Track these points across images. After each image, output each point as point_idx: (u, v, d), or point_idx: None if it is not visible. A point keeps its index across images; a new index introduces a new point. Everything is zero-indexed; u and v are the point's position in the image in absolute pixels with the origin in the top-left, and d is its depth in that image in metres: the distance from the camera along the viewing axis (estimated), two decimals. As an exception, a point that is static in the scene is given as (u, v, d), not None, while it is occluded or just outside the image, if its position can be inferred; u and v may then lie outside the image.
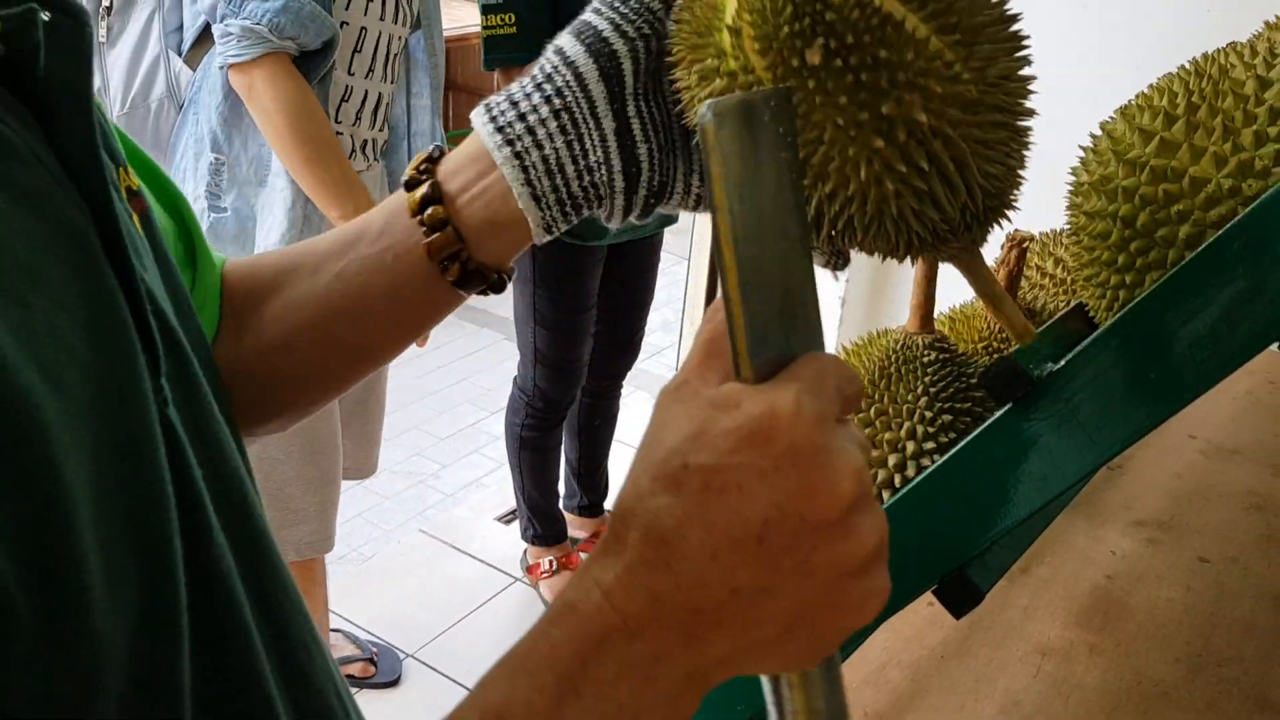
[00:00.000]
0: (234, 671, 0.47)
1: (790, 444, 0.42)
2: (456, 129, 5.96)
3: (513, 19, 2.33)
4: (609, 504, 3.35)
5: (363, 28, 2.05)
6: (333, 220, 1.99)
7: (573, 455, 3.19)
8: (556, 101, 0.63)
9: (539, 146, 0.63)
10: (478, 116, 0.65)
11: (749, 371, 0.44)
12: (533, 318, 2.77)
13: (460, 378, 4.33)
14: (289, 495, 2.19)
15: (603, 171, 0.65)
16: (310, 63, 1.95)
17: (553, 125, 0.63)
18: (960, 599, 0.75)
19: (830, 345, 0.58)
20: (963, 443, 0.70)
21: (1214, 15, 2.84)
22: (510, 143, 0.63)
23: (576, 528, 3.27)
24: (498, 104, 0.65)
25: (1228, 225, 0.62)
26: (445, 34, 2.36)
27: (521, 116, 0.64)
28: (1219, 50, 0.77)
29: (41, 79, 0.43)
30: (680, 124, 0.67)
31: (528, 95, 0.64)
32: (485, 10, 2.35)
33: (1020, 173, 0.65)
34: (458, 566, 3.26)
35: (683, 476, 0.43)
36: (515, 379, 2.98)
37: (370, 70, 2.10)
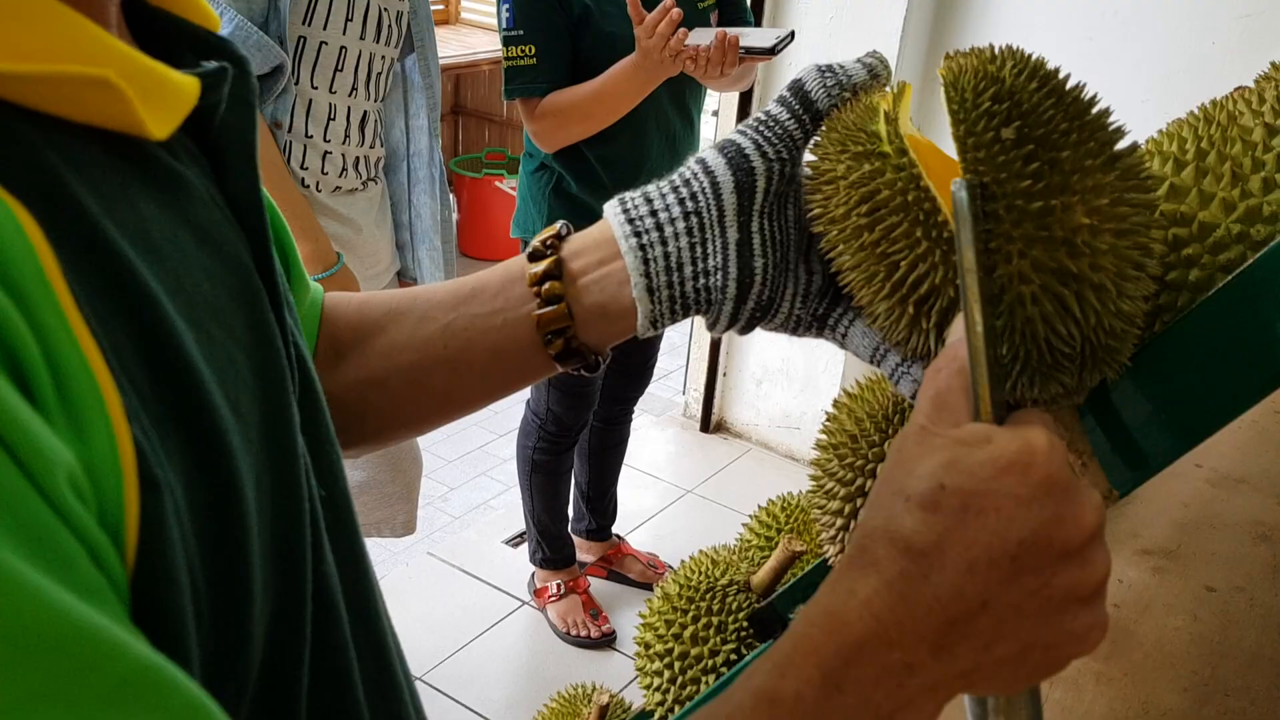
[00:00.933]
0: (335, 680, 0.51)
1: (1046, 475, 0.47)
2: (465, 153, 6.00)
3: (533, 50, 2.37)
4: (617, 528, 3.37)
5: (342, 47, 2.09)
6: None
7: (582, 479, 3.21)
8: (690, 204, 0.67)
9: (664, 243, 0.67)
10: (611, 207, 0.69)
11: (990, 413, 0.51)
12: None
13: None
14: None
15: (718, 276, 0.67)
16: (261, 85, 1.99)
17: (680, 225, 0.67)
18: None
19: (835, 388, 0.63)
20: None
21: (1217, 48, 2.87)
22: (638, 234, 0.67)
23: (585, 551, 3.28)
24: (633, 199, 0.69)
25: (1237, 271, 0.64)
26: (457, 60, 2.39)
27: (653, 212, 0.67)
28: (1227, 96, 0.79)
29: (216, 126, 0.48)
30: (795, 250, 0.70)
31: (663, 194, 0.68)
32: (506, 42, 2.39)
33: (1137, 333, 0.64)
34: (465, 590, 3.27)
35: (940, 498, 0.47)
36: (528, 402, 3.00)
37: (354, 89, 2.13)
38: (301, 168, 2.10)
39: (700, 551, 1.10)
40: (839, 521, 0.88)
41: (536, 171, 2.63)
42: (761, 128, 0.67)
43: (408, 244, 2.43)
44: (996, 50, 0.61)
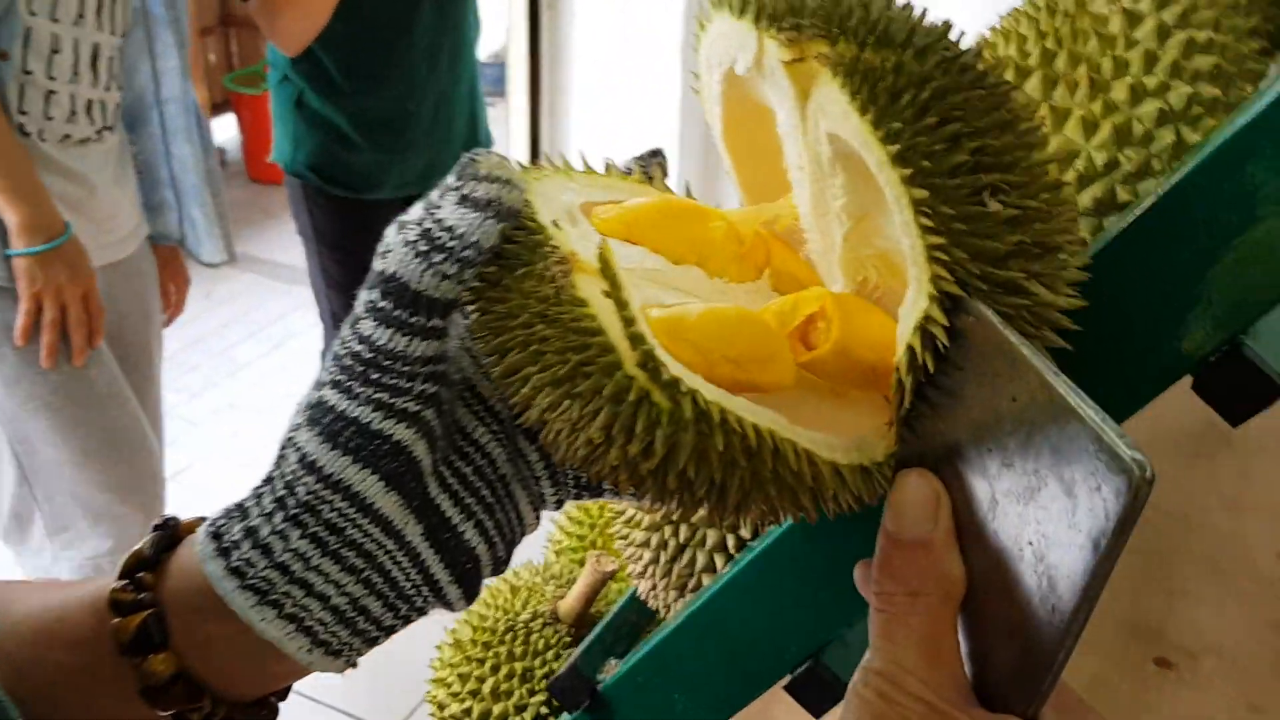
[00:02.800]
0: None
1: None
2: (241, 67, 5.53)
3: None
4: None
5: None
6: (9, 225, 1.72)
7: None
8: (331, 540, 0.44)
9: (322, 599, 0.45)
10: (211, 565, 0.45)
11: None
12: (325, 282, 2.51)
13: (274, 344, 4.05)
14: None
15: (424, 591, 0.47)
16: None
17: (332, 568, 0.45)
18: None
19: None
20: None
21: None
22: (275, 605, 0.44)
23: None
24: (243, 556, 0.44)
25: (1128, 218, 0.47)
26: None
27: (283, 568, 0.44)
28: (1068, -25, 0.62)
29: None
30: (518, 434, 0.50)
31: (280, 534, 0.44)
32: None
33: None
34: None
35: None
36: (322, 351, 2.74)
37: (80, 15, 1.78)
38: (20, 112, 1.76)
39: (499, 578, 0.91)
40: (645, 555, 0.71)
41: (280, 84, 2.33)
42: (375, 373, 0.44)
43: (170, 203, 2.12)
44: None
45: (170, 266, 2.20)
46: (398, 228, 0.44)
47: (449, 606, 0.49)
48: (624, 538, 0.71)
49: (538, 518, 0.51)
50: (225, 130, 5.34)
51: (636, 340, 0.40)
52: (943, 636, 0.39)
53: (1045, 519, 0.36)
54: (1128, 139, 0.53)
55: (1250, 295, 0.45)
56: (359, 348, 0.44)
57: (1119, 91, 0.54)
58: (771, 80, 0.45)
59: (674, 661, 0.65)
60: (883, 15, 0.43)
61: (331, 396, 0.44)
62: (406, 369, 0.43)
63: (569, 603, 0.85)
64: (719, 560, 0.67)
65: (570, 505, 1.04)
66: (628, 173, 0.53)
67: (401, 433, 0.44)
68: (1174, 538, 1.56)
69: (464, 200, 0.43)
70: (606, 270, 0.41)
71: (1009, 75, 0.57)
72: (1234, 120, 0.44)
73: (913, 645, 0.39)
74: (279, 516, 0.44)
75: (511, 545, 0.50)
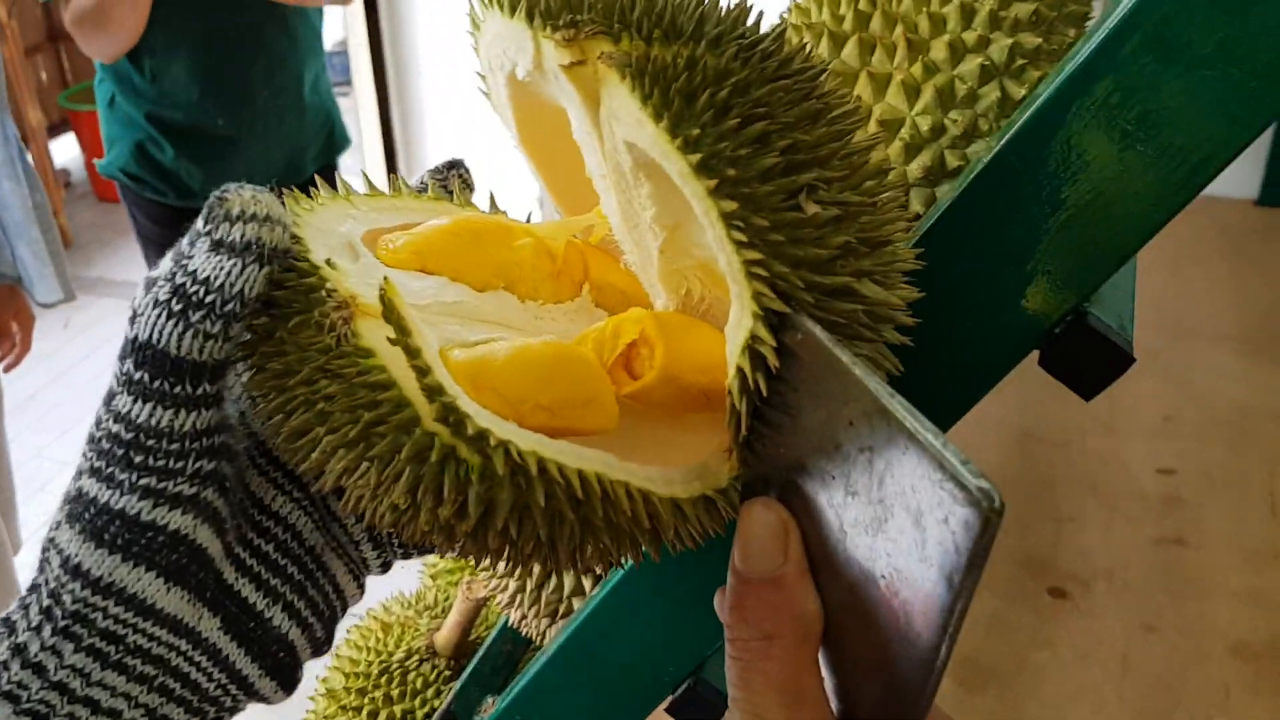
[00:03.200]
0: None
1: None
2: (76, 83, 5.27)
3: None
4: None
5: None
6: None
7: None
8: (111, 650, 0.39)
9: (113, 715, 0.40)
10: None
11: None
12: None
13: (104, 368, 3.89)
14: None
15: (231, 690, 0.43)
16: None
17: (118, 681, 0.39)
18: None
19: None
20: None
21: None
22: None
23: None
24: (14, 678, 0.38)
25: (963, 182, 0.44)
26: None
27: (62, 687, 0.39)
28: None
29: None
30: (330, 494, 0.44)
31: (53, 650, 0.38)
32: None
33: None
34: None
35: None
36: None
37: None
38: None
39: (368, 613, 0.86)
40: (511, 583, 0.67)
41: (99, 85, 2.23)
42: (138, 456, 0.38)
43: (1, 241, 1.99)
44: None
45: (10, 305, 2.07)
46: (145, 286, 0.38)
47: (264, 700, 0.44)
48: (486, 568, 0.67)
49: (361, 587, 0.46)
50: (66, 150, 5.09)
51: (434, 392, 0.35)
52: (803, 679, 0.36)
53: (896, 551, 0.33)
54: (951, 101, 0.50)
55: (1086, 260, 0.43)
56: (116, 427, 0.38)
57: (938, 50, 0.51)
58: (556, 85, 0.40)
59: (551, 694, 0.62)
60: (668, 3, 0.39)
61: (91, 486, 0.38)
62: (175, 447, 0.38)
63: (444, 634, 0.80)
64: (587, 583, 0.63)
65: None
66: (422, 190, 0.48)
67: (178, 520, 0.38)
68: (1056, 465, 1.58)
69: (218, 246, 0.36)
70: (390, 313, 0.36)
71: (823, 42, 0.53)
72: (1050, 82, 0.41)
73: (772, 693, 0.36)
74: (47, 630, 0.38)
75: (332, 623, 0.45)
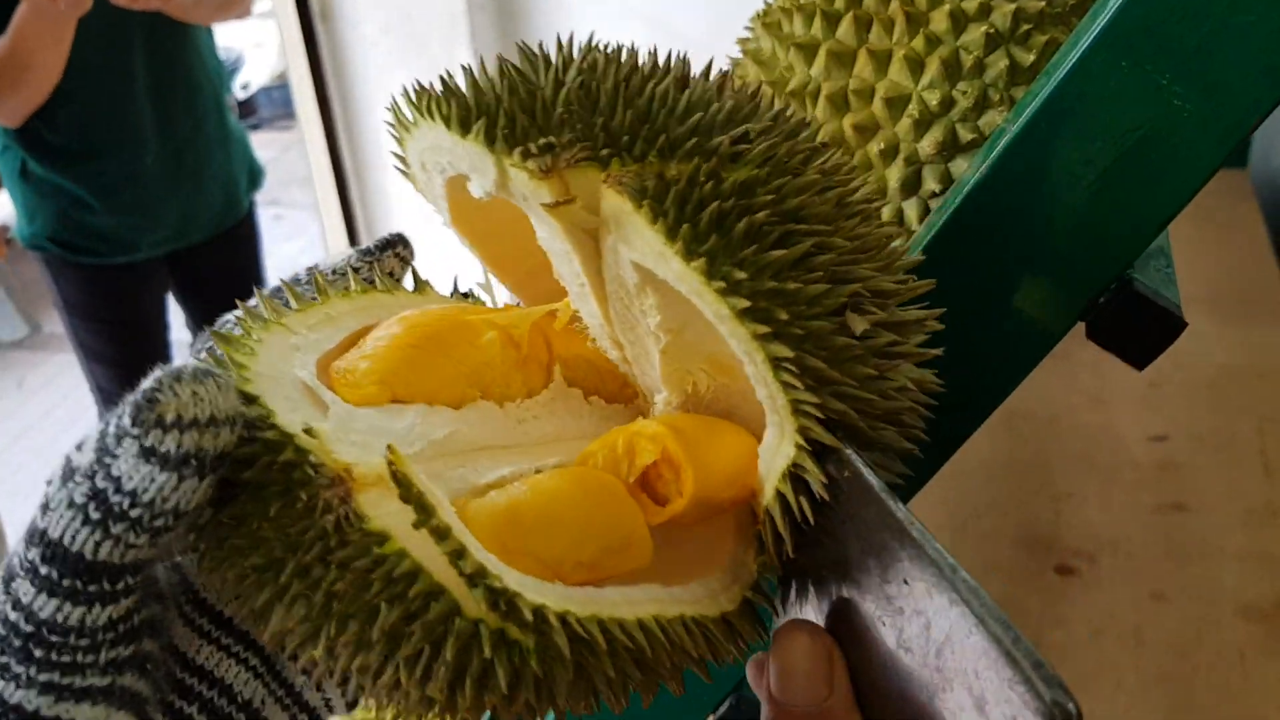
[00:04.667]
0: None
1: None
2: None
3: None
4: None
5: None
6: None
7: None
8: None
9: None
10: None
11: None
12: (85, 355, 2.32)
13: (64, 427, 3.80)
14: None
15: None
16: None
17: None
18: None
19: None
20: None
21: None
22: None
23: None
24: None
25: (988, 155, 0.42)
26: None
27: None
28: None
29: None
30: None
31: None
32: None
33: None
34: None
35: None
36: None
37: None
38: None
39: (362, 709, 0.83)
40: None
41: (2, 154, 2.14)
42: (38, 650, 0.32)
43: None
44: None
45: None
46: (62, 478, 0.31)
47: None
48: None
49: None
50: (3, 207, 5.00)
51: (477, 577, 0.30)
52: None
53: (952, 717, 0.31)
54: (958, 72, 0.48)
55: (1128, 224, 0.41)
56: (15, 616, 0.32)
57: (939, 22, 0.49)
58: (527, 206, 0.36)
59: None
60: (656, 107, 0.35)
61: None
62: (85, 642, 0.32)
63: None
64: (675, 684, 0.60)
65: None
66: (341, 277, 0.42)
67: (86, 713, 0.33)
68: (1049, 442, 1.57)
69: (148, 455, 0.30)
70: (407, 491, 0.31)
71: (816, 24, 0.51)
72: (1075, 41, 0.39)
73: None
74: None
75: None
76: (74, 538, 0.31)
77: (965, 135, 0.48)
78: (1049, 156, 0.40)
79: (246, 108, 5.70)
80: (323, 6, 2.84)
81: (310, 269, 0.42)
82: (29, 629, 0.32)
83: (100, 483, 0.30)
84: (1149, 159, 0.40)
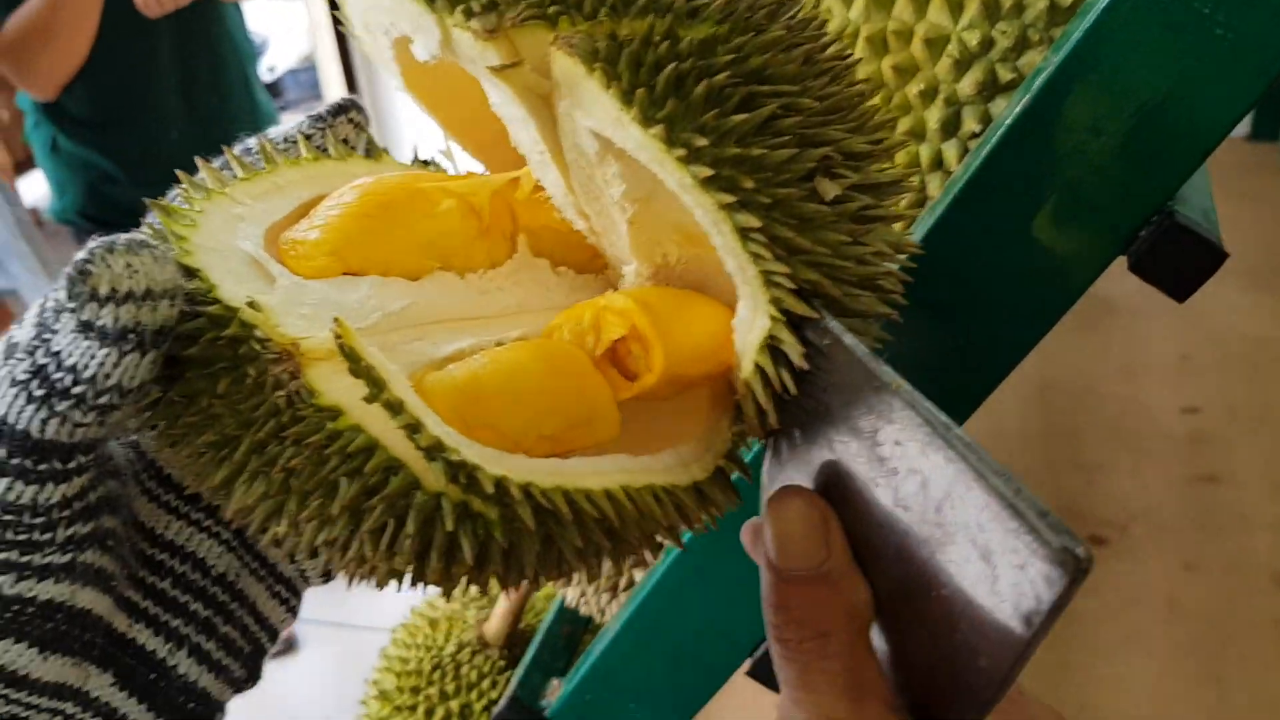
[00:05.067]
0: None
1: None
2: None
3: None
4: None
5: None
6: None
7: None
8: None
9: None
10: None
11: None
12: None
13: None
14: None
15: None
16: None
17: None
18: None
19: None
20: None
21: None
22: None
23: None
24: None
25: (1031, 88, 0.42)
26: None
27: None
28: None
29: None
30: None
31: None
32: None
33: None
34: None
35: None
36: None
37: None
38: None
39: (413, 610, 0.84)
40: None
41: (35, 130, 2.16)
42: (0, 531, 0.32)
43: None
44: None
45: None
46: (4, 354, 0.31)
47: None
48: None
49: (292, 609, 0.41)
50: (38, 187, 5.04)
51: (434, 450, 0.30)
52: (864, 671, 0.33)
53: (959, 575, 0.30)
54: (998, 13, 0.48)
55: (1168, 156, 0.41)
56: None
57: (977, -39, 0.49)
58: (475, 69, 0.35)
59: (621, 671, 0.59)
60: None
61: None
62: (40, 520, 0.32)
63: (494, 624, 0.78)
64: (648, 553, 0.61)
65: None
66: (290, 146, 0.40)
67: (50, 590, 0.33)
68: (1079, 413, 1.56)
69: (86, 329, 0.29)
70: (357, 364, 0.30)
71: (856, -34, 0.51)
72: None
73: (837, 689, 0.33)
74: None
75: (255, 658, 0.40)
76: (19, 416, 0.30)
77: (1005, 75, 0.48)
78: (1089, 90, 0.41)
79: (273, 90, 5.73)
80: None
81: (258, 137, 0.40)
82: None
83: (41, 359, 0.30)
84: (1189, 90, 0.40)
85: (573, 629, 0.72)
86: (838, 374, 0.33)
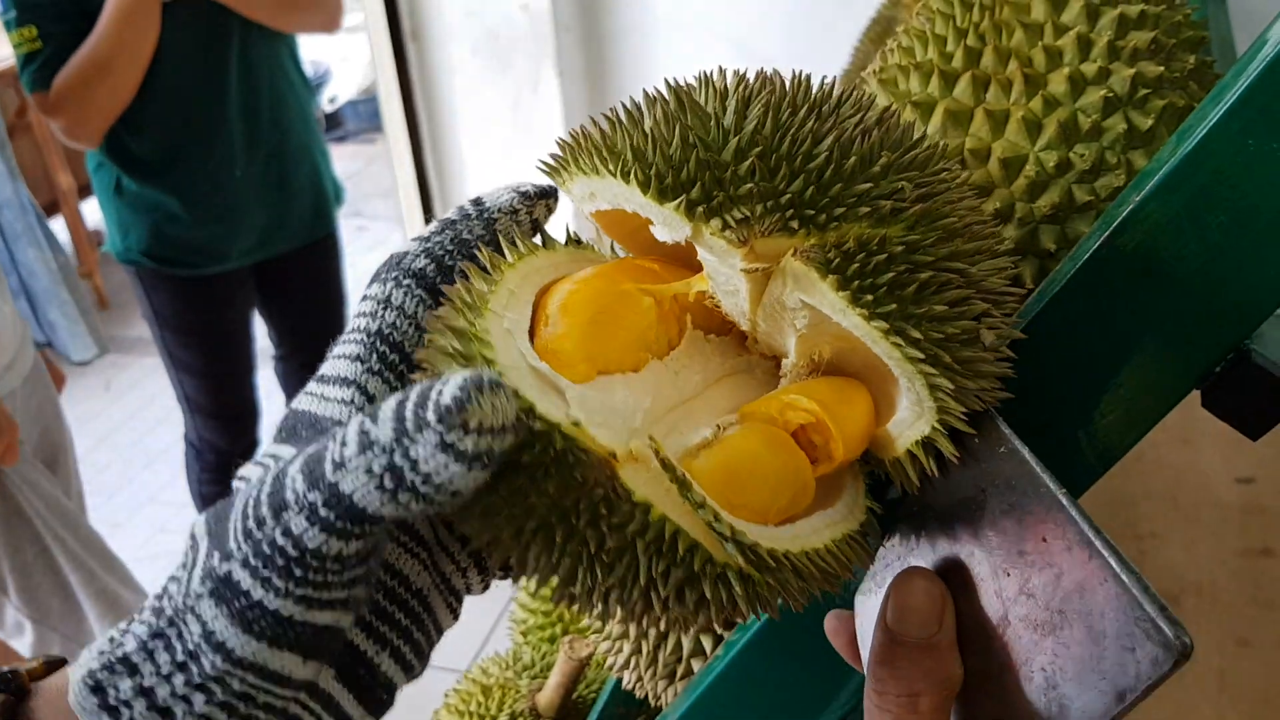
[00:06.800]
0: None
1: None
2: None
3: (35, 32, 1.93)
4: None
5: None
6: None
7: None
8: (241, 705, 0.41)
9: None
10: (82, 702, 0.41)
11: None
12: (173, 365, 2.39)
13: (149, 428, 3.87)
14: None
15: None
16: None
17: None
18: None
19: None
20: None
21: None
22: None
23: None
24: (136, 715, 0.40)
25: (1108, 217, 0.42)
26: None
27: None
28: (972, -40, 0.57)
29: None
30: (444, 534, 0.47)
31: (184, 699, 0.40)
32: (5, 28, 1.96)
33: None
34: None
35: None
36: (184, 433, 2.61)
37: None
38: None
39: (465, 676, 0.85)
40: (626, 646, 0.65)
41: (97, 171, 2.21)
42: (298, 570, 0.39)
43: (27, 311, 2.01)
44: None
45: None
46: (359, 442, 0.37)
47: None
48: (597, 630, 0.66)
49: (455, 615, 0.48)
50: (98, 211, 5.13)
51: (733, 534, 0.38)
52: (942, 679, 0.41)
53: (1064, 654, 0.37)
54: (1076, 135, 0.49)
55: (1245, 296, 0.42)
56: (284, 542, 0.38)
57: (1057, 84, 0.50)
58: (712, 255, 0.43)
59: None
60: (824, 163, 0.40)
61: (245, 579, 0.39)
62: (337, 566, 0.39)
63: (548, 695, 0.79)
64: (707, 643, 0.62)
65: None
66: (491, 233, 0.47)
67: (327, 618, 0.40)
68: (1133, 480, 1.55)
69: (447, 448, 0.35)
70: (675, 475, 0.39)
71: (933, 83, 0.52)
72: (1207, 111, 0.40)
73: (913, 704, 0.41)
74: (180, 680, 0.40)
75: (427, 656, 0.47)
76: (365, 497, 0.36)
77: (1081, 197, 0.49)
78: (1169, 226, 0.41)
79: (333, 120, 5.82)
80: (414, 26, 2.90)
81: (477, 203, 0.47)
82: (294, 554, 0.38)
83: (398, 460, 0.36)
84: (1270, 231, 0.41)
85: (626, 711, 0.73)
86: (999, 475, 0.41)
